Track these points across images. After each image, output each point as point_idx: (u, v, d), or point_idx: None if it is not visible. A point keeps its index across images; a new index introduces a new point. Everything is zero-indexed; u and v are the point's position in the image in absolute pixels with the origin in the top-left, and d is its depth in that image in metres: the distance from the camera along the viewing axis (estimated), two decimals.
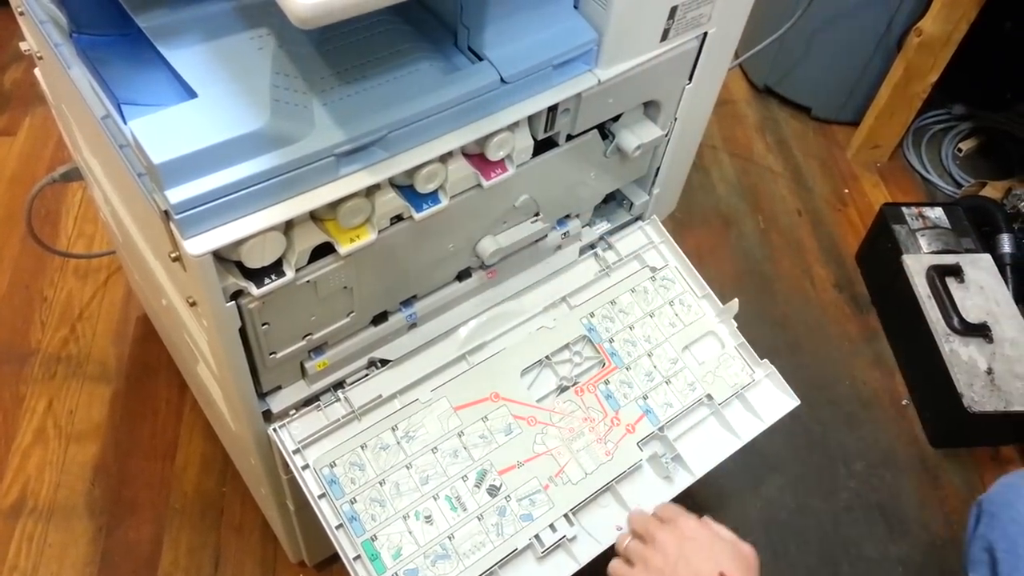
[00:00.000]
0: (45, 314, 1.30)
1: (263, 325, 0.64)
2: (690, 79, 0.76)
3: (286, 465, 0.74)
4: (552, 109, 0.66)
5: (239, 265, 0.58)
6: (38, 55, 0.81)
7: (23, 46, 0.86)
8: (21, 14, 0.74)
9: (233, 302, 0.60)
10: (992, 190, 1.54)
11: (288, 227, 0.58)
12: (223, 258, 0.57)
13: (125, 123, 0.52)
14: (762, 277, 1.48)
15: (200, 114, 0.53)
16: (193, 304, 0.64)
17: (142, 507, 1.12)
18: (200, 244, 0.54)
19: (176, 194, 0.51)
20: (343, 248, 0.62)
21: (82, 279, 1.34)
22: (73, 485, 1.13)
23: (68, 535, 1.09)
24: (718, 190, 1.62)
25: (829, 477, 1.23)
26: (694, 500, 1.18)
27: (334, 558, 1.03)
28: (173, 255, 0.57)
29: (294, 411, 0.74)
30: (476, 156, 0.66)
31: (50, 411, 1.20)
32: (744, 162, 1.67)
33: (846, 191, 1.64)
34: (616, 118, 0.75)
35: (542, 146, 0.71)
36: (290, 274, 0.60)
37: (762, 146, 1.71)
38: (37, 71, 0.90)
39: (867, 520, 1.20)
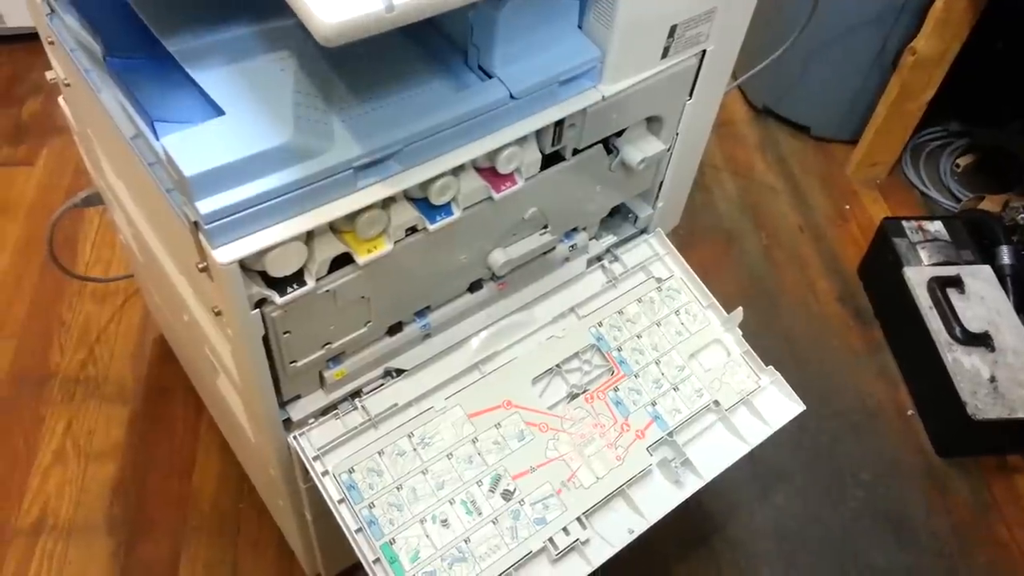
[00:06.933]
0: (64, 337, 1.33)
1: (285, 333, 0.66)
2: (691, 95, 0.79)
3: (305, 473, 0.76)
4: (559, 124, 0.69)
5: (262, 275, 0.61)
6: (65, 82, 0.84)
7: (49, 75, 0.89)
8: (51, 43, 0.77)
9: (257, 310, 0.62)
10: (990, 204, 1.56)
11: (309, 238, 0.61)
12: (248, 268, 0.60)
13: (158, 139, 0.55)
14: (766, 292, 1.50)
15: (228, 130, 0.56)
16: (218, 314, 0.67)
17: (160, 525, 1.14)
18: (228, 253, 0.56)
19: (206, 205, 0.54)
20: (361, 258, 0.64)
21: (100, 303, 1.37)
22: (92, 504, 1.15)
23: (87, 553, 1.11)
24: (720, 208, 1.65)
25: (837, 487, 1.25)
26: (704, 510, 1.20)
27: (351, 570, 1.05)
28: (201, 265, 0.60)
29: (313, 420, 0.76)
30: (487, 170, 0.69)
31: (69, 432, 1.22)
32: (746, 181, 1.70)
33: (847, 207, 1.66)
34: (620, 133, 0.78)
35: (549, 160, 0.74)
36: (311, 283, 0.63)
37: (763, 165, 1.74)
38: (61, 99, 0.94)
39: (875, 529, 1.21)
